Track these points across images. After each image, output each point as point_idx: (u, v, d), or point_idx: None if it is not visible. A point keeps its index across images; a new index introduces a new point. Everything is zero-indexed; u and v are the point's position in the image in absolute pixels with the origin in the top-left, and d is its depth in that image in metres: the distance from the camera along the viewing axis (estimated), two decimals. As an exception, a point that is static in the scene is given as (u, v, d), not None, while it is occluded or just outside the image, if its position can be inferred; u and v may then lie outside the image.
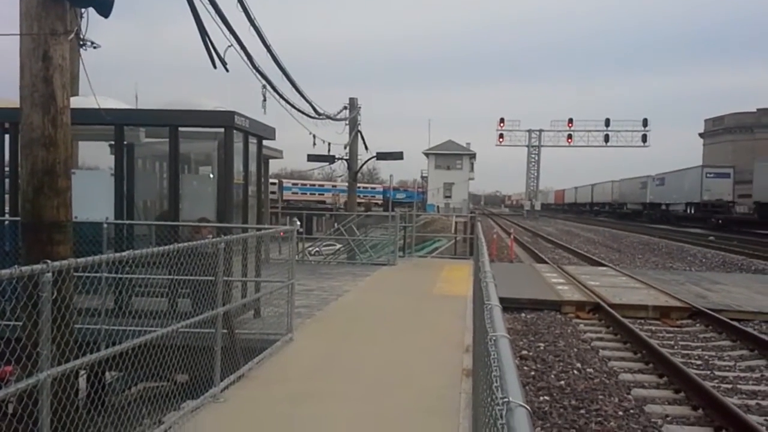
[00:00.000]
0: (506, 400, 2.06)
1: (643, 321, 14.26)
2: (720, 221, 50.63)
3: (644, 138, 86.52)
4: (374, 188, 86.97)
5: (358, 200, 75.32)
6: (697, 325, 14.00)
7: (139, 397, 7.48)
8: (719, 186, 52.43)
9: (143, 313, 8.06)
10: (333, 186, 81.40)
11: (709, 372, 10.31)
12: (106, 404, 7.97)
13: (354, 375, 7.60)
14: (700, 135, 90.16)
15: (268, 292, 10.39)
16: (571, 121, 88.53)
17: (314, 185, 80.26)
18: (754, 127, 78.06)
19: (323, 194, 79.07)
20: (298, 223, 17.49)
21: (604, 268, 23.57)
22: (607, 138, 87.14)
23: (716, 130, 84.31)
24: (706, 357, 11.30)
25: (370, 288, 14.75)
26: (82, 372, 7.73)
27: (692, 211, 55.22)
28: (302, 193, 75.39)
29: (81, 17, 7.21)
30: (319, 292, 13.60)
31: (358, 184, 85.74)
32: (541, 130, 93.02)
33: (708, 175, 53.25)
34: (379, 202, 79.42)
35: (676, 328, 13.73)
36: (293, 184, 76.54)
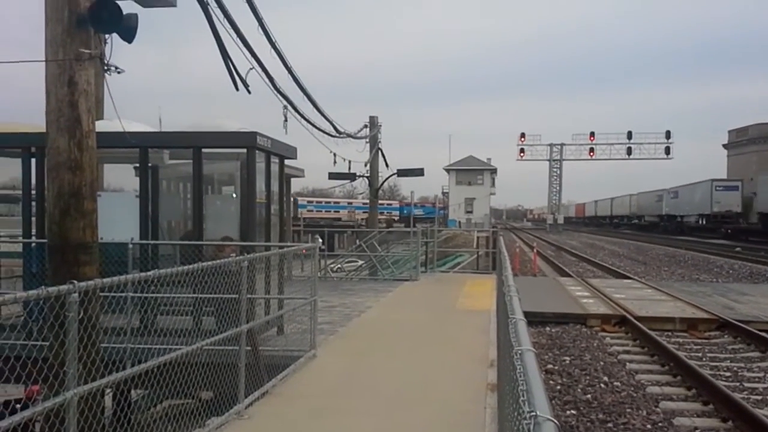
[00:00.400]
0: (534, 414, 2.06)
1: (670, 333, 14.07)
2: (729, 231, 53.17)
3: (667, 150, 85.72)
4: (391, 204, 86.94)
5: (362, 217, 75.54)
6: (725, 336, 13.79)
7: (165, 415, 7.52)
8: (728, 198, 55.67)
9: (168, 332, 8.14)
10: (349, 203, 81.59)
11: (738, 384, 10.15)
12: (132, 422, 8.04)
13: (377, 391, 7.59)
14: (724, 146, 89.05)
15: (291, 309, 10.43)
16: (592, 134, 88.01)
17: (329, 202, 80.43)
18: (779, 137, 76.89)
19: (339, 211, 79.22)
20: (320, 240, 17.55)
21: (630, 280, 23.33)
22: (629, 151, 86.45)
23: (740, 141, 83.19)
24: (735, 368, 11.12)
25: (392, 304, 14.74)
26: (108, 390, 7.81)
27: (704, 222, 59.03)
28: (317, 211, 75.55)
29: (105, 43, 7.35)
30: (341, 308, 13.61)
31: (363, 201, 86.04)
32: (562, 144, 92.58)
33: (717, 188, 56.48)
34: (396, 218, 79.25)
35: (703, 340, 13.54)
36: (308, 201, 76.81)
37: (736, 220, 55.08)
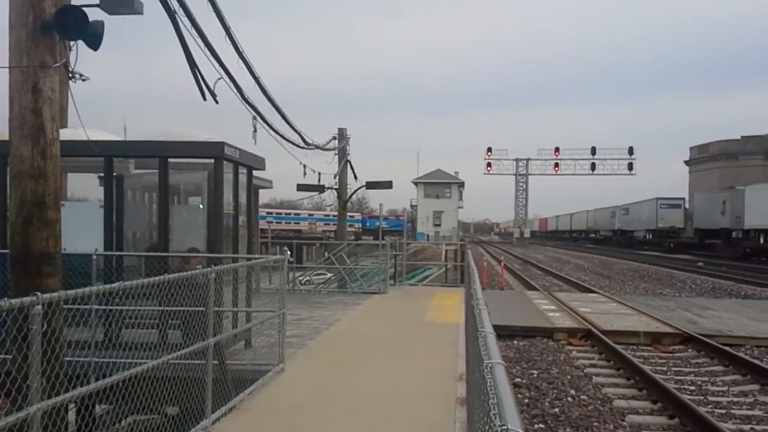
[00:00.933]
0: (505, 427, 2.05)
1: (635, 347, 14.24)
2: (672, 245, 59.00)
3: (630, 166, 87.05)
4: (352, 216, 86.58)
5: (328, 228, 74.56)
6: (689, 350, 13.99)
7: (130, 430, 7.37)
8: (672, 215, 60.73)
9: (133, 345, 7.96)
10: (310, 215, 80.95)
11: (702, 397, 10.29)
12: (96, 439, 7.86)
13: (347, 405, 7.53)
14: (686, 162, 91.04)
15: (259, 323, 10.31)
16: (557, 149, 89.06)
17: (289, 214, 79.44)
18: (738, 154, 78.89)
19: (299, 223, 78.40)
20: (289, 252, 17.42)
21: (595, 294, 23.60)
22: (593, 166, 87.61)
23: (702, 157, 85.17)
24: (699, 382, 11.28)
25: (361, 317, 14.68)
26: (71, 405, 7.62)
27: (650, 237, 64.46)
28: (277, 222, 74.12)
29: (70, 50, 7.23)
30: (310, 321, 13.51)
31: (333, 213, 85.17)
32: (528, 159, 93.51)
33: (662, 206, 61.40)
34: (358, 230, 78.65)
35: (668, 354, 13.72)
36: (267, 213, 75.65)
37: (678, 234, 60.53)
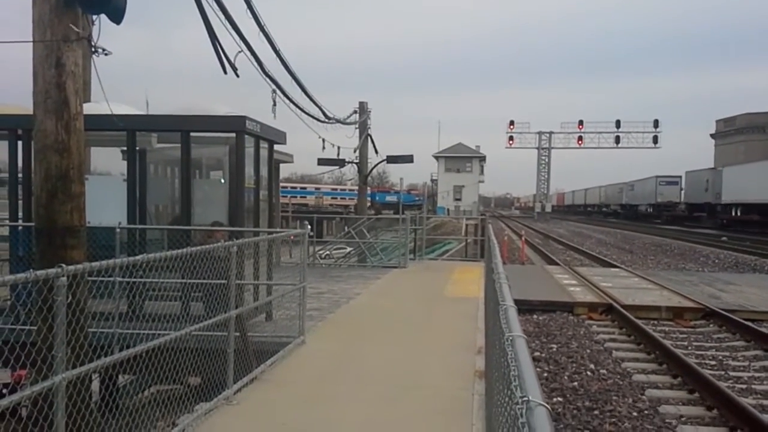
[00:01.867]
0: (526, 399, 2.06)
1: (656, 322, 14.17)
2: (668, 217, 66.79)
3: (655, 139, 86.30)
4: (353, 190, 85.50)
5: (335, 202, 73.83)
6: (711, 325, 13.91)
7: (153, 400, 7.50)
8: (669, 191, 68.05)
9: (156, 317, 8.10)
10: (316, 188, 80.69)
11: (723, 372, 10.24)
12: (120, 407, 8.01)
13: (366, 377, 7.60)
14: (712, 136, 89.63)
15: (279, 295, 10.41)
16: (581, 122, 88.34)
17: (296, 188, 79.16)
18: (766, 127, 77.51)
19: (305, 197, 78.19)
20: (309, 226, 17.51)
21: (617, 269, 23.47)
22: (618, 139, 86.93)
23: (728, 131, 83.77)
24: (720, 357, 11.22)
25: (380, 291, 14.75)
26: (95, 375, 7.77)
27: (651, 210, 72.54)
28: (283, 196, 73.88)
29: (93, 24, 7.26)
30: (330, 295, 13.61)
31: (339, 187, 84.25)
32: (551, 132, 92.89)
33: (661, 183, 68.81)
34: (367, 204, 77.89)
35: (689, 329, 13.65)
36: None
37: (673, 208, 67.72)
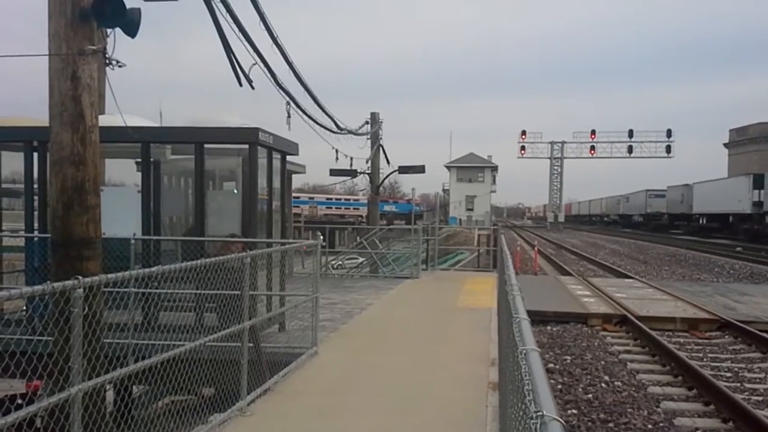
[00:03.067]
0: (540, 413, 2.06)
1: (671, 333, 14.09)
2: (654, 226, 76.38)
3: (668, 149, 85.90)
4: (357, 200, 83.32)
5: (330, 212, 72.29)
6: (726, 336, 13.80)
7: (167, 411, 7.52)
8: (657, 203, 76.75)
9: (171, 328, 8.13)
10: (310, 198, 79.95)
11: (739, 384, 10.15)
12: (135, 418, 8.04)
13: (379, 388, 7.59)
14: (725, 145, 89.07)
15: (292, 306, 10.43)
16: (593, 132, 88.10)
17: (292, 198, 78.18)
18: (779, 136, 77.09)
19: (299, 206, 77.54)
20: (321, 237, 17.54)
21: (631, 280, 23.34)
22: (630, 149, 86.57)
23: (741, 140, 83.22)
24: (736, 369, 11.12)
25: (393, 301, 14.74)
26: (109, 386, 7.80)
27: (641, 219, 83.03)
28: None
29: (107, 37, 7.34)
30: (342, 305, 13.61)
31: (335, 197, 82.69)
32: (563, 142, 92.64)
33: (650, 195, 78.63)
34: (364, 214, 75.94)
35: (704, 340, 13.55)
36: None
37: (660, 218, 76.62)
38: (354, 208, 78.30)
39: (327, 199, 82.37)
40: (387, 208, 75.19)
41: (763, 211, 47.54)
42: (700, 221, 62.62)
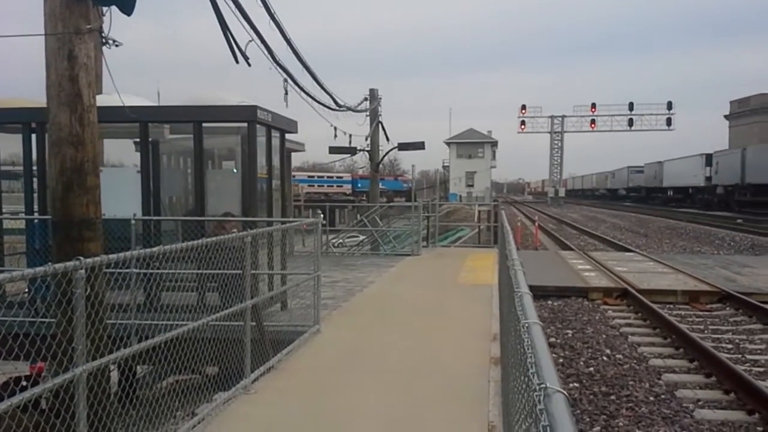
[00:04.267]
0: (543, 386, 2.06)
1: (672, 306, 14.13)
2: (635, 198, 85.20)
3: (669, 121, 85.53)
4: (340, 177, 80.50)
5: (312, 190, 70.77)
6: (727, 308, 13.84)
7: (171, 390, 7.58)
8: (637, 178, 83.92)
9: (173, 308, 8.15)
10: (293, 176, 79.06)
11: (740, 356, 10.20)
12: (140, 397, 8.09)
13: (381, 365, 7.63)
14: (726, 117, 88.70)
15: (294, 285, 10.45)
16: (594, 105, 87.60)
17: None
18: (780, 107, 76.87)
19: None
20: (322, 215, 17.53)
21: (631, 253, 23.38)
22: (631, 122, 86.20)
23: (742, 111, 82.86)
24: (737, 341, 11.17)
25: (394, 278, 14.77)
26: (113, 366, 7.84)
27: (625, 193, 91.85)
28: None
29: (103, 16, 7.27)
30: (344, 283, 13.64)
31: (317, 174, 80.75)
32: (563, 116, 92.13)
33: (631, 171, 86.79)
34: (348, 192, 73.42)
35: (705, 313, 13.59)
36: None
37: (639, 191, 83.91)
38: (337, 186, 76.92)
39: (308, 176, 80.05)
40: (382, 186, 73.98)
41: (712, 184, 56.83)
42: (668, 193, 72.24)
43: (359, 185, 74.36)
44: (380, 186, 74.11)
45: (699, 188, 60.65)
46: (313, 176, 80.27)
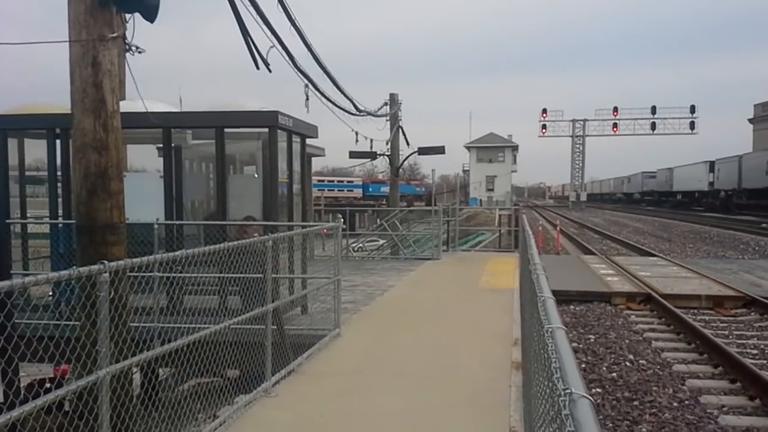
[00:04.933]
0: (569, 391, 2.04)
1: (696, 311, 13.96)
2: (648, 201, 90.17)
3: (692, 125, 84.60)
4: (351, 182, 79.30)
5: (326, 195, 70.05)
6: (752, 314, 13.64)
7: (193, 392, 7.63)
8: (650, 182, 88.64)
9: (195, 311, 8.21)
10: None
11: (765, 362, 10.04)
12: (162, 400, 8.15)
13: (401, 369, 7.62)
14: (750, 120, 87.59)
15: (315, 289, 10.48)
16: (616, 109, 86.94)
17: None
18: (803, 110, 76.01)
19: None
20: (342, 219, 17.56)
21: (655, 258, 23.13)
22: (653, 126, 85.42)
23: (766, 115, 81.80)
24: (762, 346, 11.00)
25: (414, 283, 14.75)
26: (136, 369, 7.90)
27: (639, 196, 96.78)
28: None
29: (127, 22, 7.35)
30: (364, 287, 13.65)
31: (329, 179, 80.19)
32: (585, 120, 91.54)
33: (645, 177, 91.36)
34: (358, 196, 71.88)
35: (730, 318, 13.41)
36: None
37: (651, 194, 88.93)
38: (348, 190, 76.43)
39: (318, 181, 79.45)
40: (384, 189, 71.87)
41: (714, 188, 62.80)
42: (678, 197, 76.79)
43: (370, 189, 73.88)
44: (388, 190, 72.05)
45: (704, 192, 66.34)
46: (323, 180, 79.87)
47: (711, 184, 63.58)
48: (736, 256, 25.24)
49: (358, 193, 75.40)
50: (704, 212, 58.83)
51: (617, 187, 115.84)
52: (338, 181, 78.98)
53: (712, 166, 63.27)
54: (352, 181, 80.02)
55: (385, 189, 71.57)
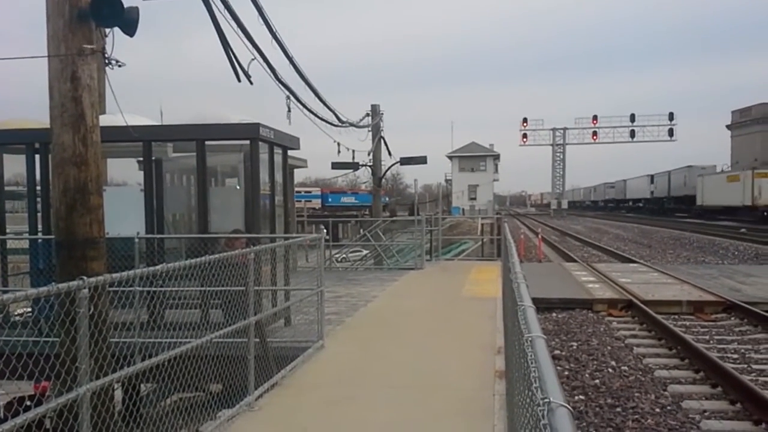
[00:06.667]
0: (547, 400, 2.06)
1: (677, 317, 14.08)
2: (610, 208, 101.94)
3: (671, 132, 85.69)
4: (309, 192, 75.94)
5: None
6: (732, 318, 13.79)
7: (176, 408, 7.56)
8: (610, 192, 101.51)
9: (176, 325, 8.15)
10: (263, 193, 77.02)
11: (746, 366, 10.15)
12: (144, 416, 8.08)
13: (386, 379, 7.61)
14: (728, 127, 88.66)
15: (298, 300, 10.45)
16: (595, 117, 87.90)
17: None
18: (781, 117, 77.02)
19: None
20: (325, 230, 17.54)
21: (635, 264, 23.32)
22: (633, 133, 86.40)
23: (744, 121, 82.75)
24: (743, 351, 11.12)
25: (398, 293, 14.76)
26: (117, 385, 7.84)
27: (603, 204, 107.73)
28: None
29: (106, 36, 7.33)
30: (347, 298, 13.63)
31: (300, 189, 79.03)
32: (565, 128, 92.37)
33: (607, 187, 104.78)
34: (317, 207, 69.49)
35: (710, 323, 13.54)
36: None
37: (612, 202, 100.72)
38: (305, 201, 75.76)
39: (265, 193, 77.24)
40: (345, 200, 69.34)
41: (654, 196, 79.57)
42: (630, 203, 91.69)
43: (329, 200, 72.51)
44: (354, 200, 69.91)
45: (647, 199, 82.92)
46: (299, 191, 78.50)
47: (652, 192, 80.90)
48: (716, 262, 25.52)
49: (316, 203, 74.37)
50: (651, 215, 73.59)
51: (587, 195, 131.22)
52: (296, 192, 78.35)
53: (652, 178, 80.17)
54: (309, 191, 79.01)
55: (346, 199, 70.43)
